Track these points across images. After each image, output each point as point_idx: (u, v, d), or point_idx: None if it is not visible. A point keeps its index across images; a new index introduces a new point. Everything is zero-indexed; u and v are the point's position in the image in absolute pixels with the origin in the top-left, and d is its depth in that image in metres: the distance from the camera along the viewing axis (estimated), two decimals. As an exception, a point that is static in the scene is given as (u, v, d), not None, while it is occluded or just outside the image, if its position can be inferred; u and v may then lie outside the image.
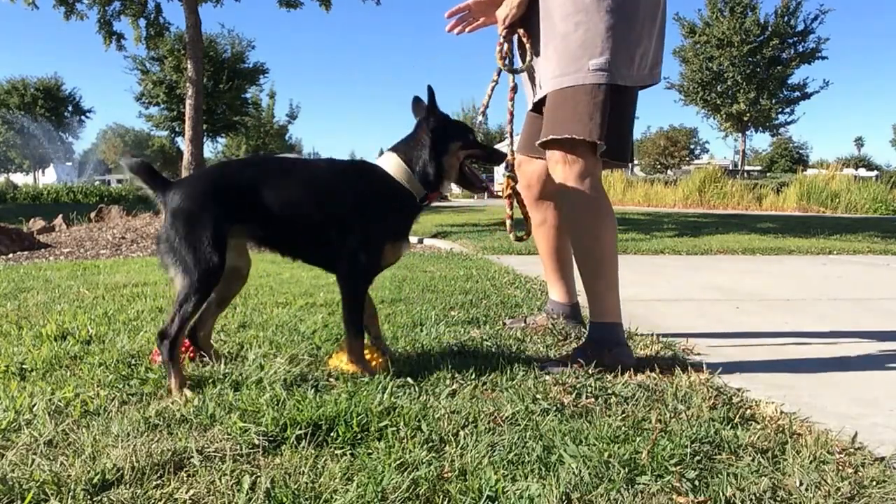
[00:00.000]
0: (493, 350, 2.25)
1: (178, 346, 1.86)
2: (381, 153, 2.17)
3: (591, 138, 2.17)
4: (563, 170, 2.25)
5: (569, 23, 2.18)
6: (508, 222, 2.44)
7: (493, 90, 2.46)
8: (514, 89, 2.42)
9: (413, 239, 8.03)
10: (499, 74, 2.44)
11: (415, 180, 2.05)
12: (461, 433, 1.56)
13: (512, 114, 2.42)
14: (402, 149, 2.10)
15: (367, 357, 2.05)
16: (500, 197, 2.55)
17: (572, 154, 2.23)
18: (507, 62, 2.41)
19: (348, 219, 1.99)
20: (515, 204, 2.44)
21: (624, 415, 1.72)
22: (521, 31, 2.38)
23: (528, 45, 2.36)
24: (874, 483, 1.37)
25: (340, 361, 2.06)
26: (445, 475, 1.36)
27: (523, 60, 2.40)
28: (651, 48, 2.29)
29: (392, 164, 2.06)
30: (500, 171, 2.73)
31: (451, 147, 2.08)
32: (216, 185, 1.96)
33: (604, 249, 2.25)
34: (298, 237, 2.04)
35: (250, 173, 2.03)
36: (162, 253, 1.89)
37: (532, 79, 2.43)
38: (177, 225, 1.86)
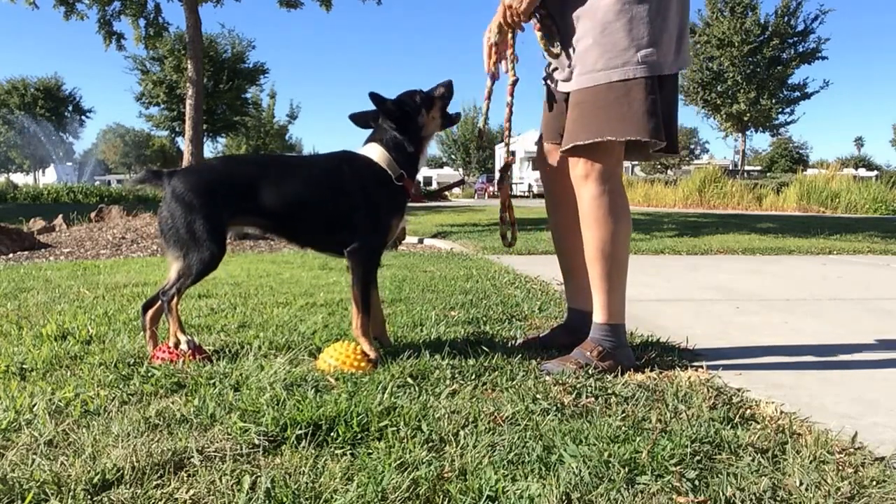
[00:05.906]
0: (493, 350, 2.25)
1: (173, 302, 2.16)
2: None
3: (653, 137, 2.08)
4: (586, 166, 2.17)
5: (609, 12, 2.07)
6: (502, 226, 2.48)
7: (489, 96, 2.42)
8: (515, 83, 2.34)
9: (413, 239, 8.04)
10: (492, 84, 2.38)
11: (393, 161, 2.23)
12: (461, 433, 1.56)
13: (511, 109, 2.35)
14: (377, 137, 2.28)
15: (359, 360, 2.08)
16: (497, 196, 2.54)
17: (598, 151, 2.15)
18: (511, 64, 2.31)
19: (353, 201, 2.19)
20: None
21: (624, 415, 1.72)
22: (544, 12, 2.22)
23: (554, 30, 2.21)
24: (874, 483, 1.37)
25: (330, 357, 2.08)
26: (445, 475, 1.36)
27: (551, 45, 2.24)
28: (686, 30, 2.21)
29: (374, 152, 2.25)
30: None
31: (421, 119, 2.27)
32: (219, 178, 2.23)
33: (617, 251, 2.20)
34: (305, 225, 2.24)
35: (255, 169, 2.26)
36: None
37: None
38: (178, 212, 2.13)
